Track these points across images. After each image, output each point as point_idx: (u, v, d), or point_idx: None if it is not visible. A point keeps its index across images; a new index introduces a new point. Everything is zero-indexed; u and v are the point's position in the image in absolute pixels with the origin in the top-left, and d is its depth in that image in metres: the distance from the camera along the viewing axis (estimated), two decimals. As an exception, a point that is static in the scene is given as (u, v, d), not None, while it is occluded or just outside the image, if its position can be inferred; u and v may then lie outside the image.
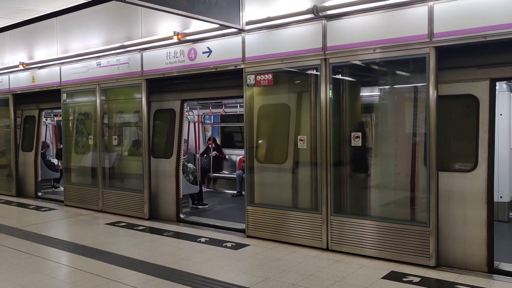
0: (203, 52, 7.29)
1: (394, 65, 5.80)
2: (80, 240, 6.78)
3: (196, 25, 7.15)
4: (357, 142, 5.90)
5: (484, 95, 5.14)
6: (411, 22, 5.32)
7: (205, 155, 11.63)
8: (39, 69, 10.38)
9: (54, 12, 9.73)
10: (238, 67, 6.86)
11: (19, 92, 11.12)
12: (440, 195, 5.31)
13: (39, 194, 11.15)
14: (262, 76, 6.63)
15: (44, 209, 9.48)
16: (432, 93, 5.23)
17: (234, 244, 6.42)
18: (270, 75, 6.57)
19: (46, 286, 4.85)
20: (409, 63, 5.65)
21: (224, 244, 6.40)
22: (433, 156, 5.25)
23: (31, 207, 9.80)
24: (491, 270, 5.06)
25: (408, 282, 4.78)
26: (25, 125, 11.55)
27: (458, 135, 5.47)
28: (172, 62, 7.72)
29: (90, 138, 9.46)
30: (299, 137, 6.42)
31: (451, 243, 5.28)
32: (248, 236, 6.77)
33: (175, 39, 7.40)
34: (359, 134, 5.89)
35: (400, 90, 5.95)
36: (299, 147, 6.43)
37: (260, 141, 6.99)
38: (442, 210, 5.32)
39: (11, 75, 11.21)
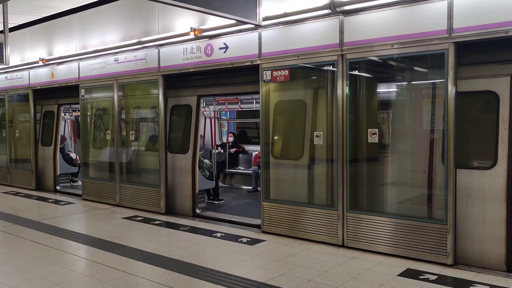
0: (220, 48, 7.31)
1: (412, 61, 5.73)
2: (97, 234, 6.88)
3: (213, 21, 7.17)
4: (374, 139, 5.86)
5: (505, 91, 5.05)
6: (430, 17, 5.25)
7: (222, 150, 11.65)
8: (58, 65, 10.53)
9: (73, 8, 9.86)
10: (255, 63, 6.86)
11: (39, 87, 11.30)
12: (458, 192, 5.25)
13: (58, 188, 11.34)
14: (278, 72, 6.62)
15: (62, 203, 9.64)
16: (451, 90, 5.16)
17: (249, 239, 6.44)
18: (287, 71, 6.56)
19: (65, 278, 4.94)
20: (427, 59, 5.58)
21: (239, 239, 6.43)
22: (451, 153, 5.18)
23: (50, 200, 9.97)
24: (510, 269, 4.99)
25: (424, 280, 4.74)
26: (44, 120, 11.74)
27: (477, 132, 5.39)
28: (189, 58, 7.75)
29: (108, 133, 9.57)
30: (315, 133, 6.40)
31: (469, 241, 5.22)
32: (264, 232, 6.79)
33: (191, 35, 7.43)
34: (376, 130, 5.84)
35: (418, 87, 5.89)
36: (315, 143, 6.41)
37: (276, 137, 6.99)
38: (460, 208, 5.25)
39: (31, 71, 11.39)
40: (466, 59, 5.25)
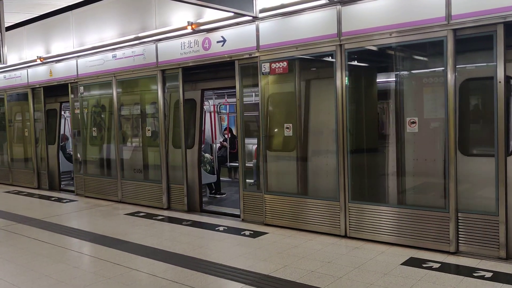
0: (218, 42, 7.28)
1: (411, 50, 5.70)
2: (100, 230, 6.90)
3: (210, 14, 7.13)
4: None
5: None
6: (428, 4, 5.21)
7: (222, 149, 11.61)
8: (56, 63, 10.50)
9: (69, 5, 9.81)
10: (253, 55, 6.83)
11: (38, 86, 11.28)
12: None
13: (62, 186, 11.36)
14: (277, 64, 6.59)
15: (65, 201, 9.66)
16: (451, 77, 5.12)
17: (252, 232, 6.45)
18: (285, 63, 6.53)
19: (70, 275, 4.95)
20: (426, 47, 5.56)
21: (242, 233, 6.44)
22: (451, 140, 5.16)
23: (53, 198, 9.99)
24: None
25: (428, 268, 4.74)
26: (48, 119, 11.62)
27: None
28: (187, 52, 7.72)
29: (107, 130, 9.56)
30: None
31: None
32: (266, 224, 6.79)
33: (189, 29, 7.40)
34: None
35: (418, 75, 5.86)
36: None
37: (275, 130, 6.97)
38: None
39: (30, 70, 11.37)
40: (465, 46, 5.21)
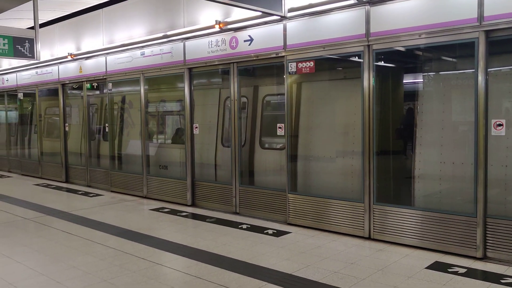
0: (245, 41, 7.31)
1: (440, 51, 5.62)
2: (126, 225, 7.02)
3: (238, 13, 7.17)
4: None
5: None
6: (459, 5, 5.12)
7: None
8: (86, 59, 10.73)
9: (100, 3, 10.02)
10: (280, 55, 6.84)
11: (67, 81, 11.54)
12: None
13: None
14: (303, 63, 6.58)
15: (91, 195, 9.86)
16: (482, 80, 5.02)
17: (275, 231, 6.46)
18: (312, 63, 6.52)
19: (96, 268, 5.07)
20: (456, 49, 5.46)
21: (265, 231, 6.46)
22: (481, 144, 5.06)
23: (80, 192, 10.22)
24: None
25: (453, 273, 4.67)
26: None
27: None
28: (214, 51, 7.78)
29: (134, 127, 9.71)
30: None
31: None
32: (289, 224, 6.80)
33: (216, 28, 7.45)
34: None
35: (447, 77, 5.77)
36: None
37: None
38: None
39: (60, 66, 11.64)
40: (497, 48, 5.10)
